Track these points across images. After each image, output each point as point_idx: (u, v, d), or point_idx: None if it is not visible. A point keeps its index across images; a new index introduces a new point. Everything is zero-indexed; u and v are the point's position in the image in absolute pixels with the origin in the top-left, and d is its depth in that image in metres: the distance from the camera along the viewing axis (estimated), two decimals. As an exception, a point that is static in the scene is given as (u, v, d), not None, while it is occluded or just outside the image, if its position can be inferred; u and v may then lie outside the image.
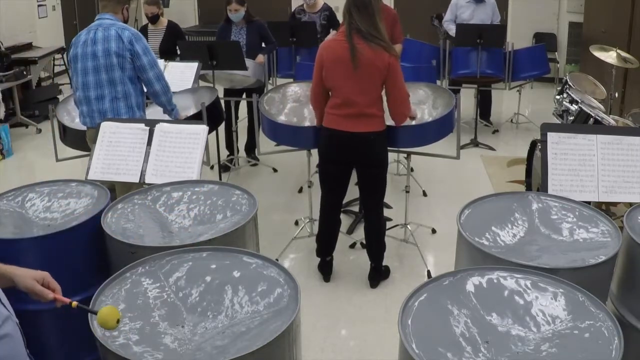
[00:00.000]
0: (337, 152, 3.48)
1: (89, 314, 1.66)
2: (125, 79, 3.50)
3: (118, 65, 3.45)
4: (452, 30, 6.50)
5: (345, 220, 4.22)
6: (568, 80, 5.04)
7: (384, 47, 3.26)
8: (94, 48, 3.45)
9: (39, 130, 6.84)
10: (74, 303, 1.62)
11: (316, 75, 3.40)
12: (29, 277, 1.62)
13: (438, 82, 5.94)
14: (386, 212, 3.88)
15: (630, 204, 2.49)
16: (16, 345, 1.37)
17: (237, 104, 5.64)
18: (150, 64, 3.50)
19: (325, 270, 3.82)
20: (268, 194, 5.05)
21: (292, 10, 6.22)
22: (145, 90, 3.64)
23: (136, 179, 2.89)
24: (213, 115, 4.03)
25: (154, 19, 5.78)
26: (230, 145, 5.70)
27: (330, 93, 3.46)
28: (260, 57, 5.31)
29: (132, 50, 3.44)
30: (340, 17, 3.87)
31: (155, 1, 5.76)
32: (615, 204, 4.14)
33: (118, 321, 1.58)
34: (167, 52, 5.64)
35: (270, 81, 5.96)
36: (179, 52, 5.46)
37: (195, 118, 3.82)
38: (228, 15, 5.32)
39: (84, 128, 3.70)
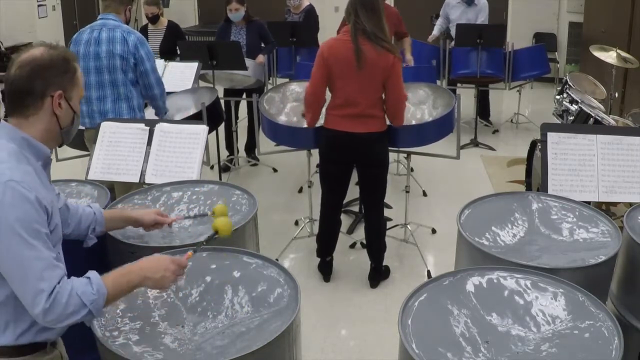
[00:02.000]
0: (338, 152, 3.48)
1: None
2: (127, 81, 3.50)
3: (121, 68, 3.45)
4: (436, 27, 6.71)
5: (345, 220, 4.22)
6: (568, 80, 5.04)
7: (389, 48, 3.25)
8: (98, 48, 3.44)
9: (39, 130, 6.84)
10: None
11: (317, 74, 3.36)
12: (151, 213, 2.08)
13: (438, 82, 5.94)
14: (386, 212, 3.88)
15: (630, 204, 2.49)
16: None
17: (237, 104, 5.63)
18: (152, 69, 3.53)
19: (325, 270, 3.82)
20: (268, 194, 5.04)
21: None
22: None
23: (136, 179, 2.89)
24: (213, 115, 4.02)
25: (154, 19, 5.78)
26: (230, 145, 5.70)
27: (330, 93, 3.46)
28: (260, 57, 5.31)
29: (136, 55, 3.44)
30: (333, 17, 3.84)
31: (155, 1, 5.75)
32: (615, 204, 4.14)
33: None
34: (168, 52, 5.64)
35: (270, 81, 5.96)
36: (179, 52, 5.46)
37: (195, 118, 3.82)
38: (228, 15, 5.32)
39: (83, 128, 3.70)
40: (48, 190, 1.62)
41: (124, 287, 1.63)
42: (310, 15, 6.05)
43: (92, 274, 1.59)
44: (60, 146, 1.75)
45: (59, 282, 1.49)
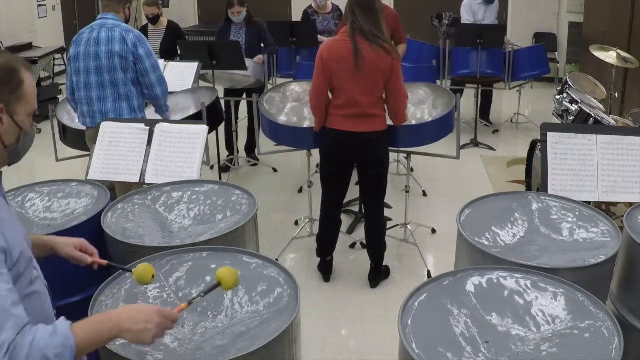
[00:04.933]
0: (340, 152, 3.48)
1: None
2: (128, 80, 3.50)
3: (120, 67, 3.45)
4: None
5: (345, 220, 4.22)
6: (568, 80, 5.04)
7: (387, 48, 3.26)
8: (97, 49, 3.44)
9: (39, 130, 6.83)
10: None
11: (318, 76, 3.37)
12: (68, 244, 1.81)
13: (438, 82, 5.94)
14: (386, 212, 3.88)
15: (630, 204, 2.49)
16: (45, 302, 1.54)
17: (237, 104, 5.63)
18: (152, 67, 3.50)
19: (325, 270, 3.82)
20: (268, 194, 5.04)
21: (304, 10, 6.21)
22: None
23: (136, 179, 2.89)
24: (213, 116, 4.02)
25: (154, 19, 5.78)
26: (230, 145, 5.70)
27: (331, 93, 3.46)
28: (260, 56, 5.29)
29: (135, 54, 3.44)
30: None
31: (154, 2, 5.75)
32: (615, 204, 4.14)
33: (153, 276, 1.74)
34: (168, 52, 5.64)
35: (270, 81, 5.96)
36: (179, 52, 5.46)
37: (195, 118, 3.82)
38: (229, 17, 5.32)
39: (84, 128, 3.70)
40: (2, 210, 1.46)
41: (96, 338, 1.41)
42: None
43: (60, 322, 1.39)
44: (9, 165, 1.55)
45: (18, 333, 1.31)
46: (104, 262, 1.87)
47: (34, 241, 1.73)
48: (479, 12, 6.50)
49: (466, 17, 6.61)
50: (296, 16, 6.65)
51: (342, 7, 3.57)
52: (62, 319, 1.41)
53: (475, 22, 6.42)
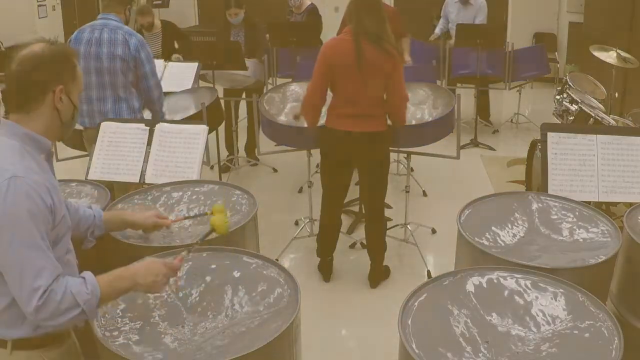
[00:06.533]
0: (340, 151, 3.48)
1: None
2: (127, 83, 3.50)
3: (121, 70, 3.44)
4: (437, 26, 6.75)
5: (345, 220, 4.22)
6: (568, 80, 5.04)
7: (389, 50, 3.25)
8: (99, 49, 3.43)
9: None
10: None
11: (318, 73, 3.35)
12: (151, 216, 2.10)
13: (438, 82, 5.94)
14: (386, 212, 3.88)
15: (630, 204, 2.49)
16: (75, 272, 1.71)
17: (237, 104, 5.63)
18: (152, 72, 3.53)
19: (325, 270, 3.82)
20: (268, 194, 5.04)
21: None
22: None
23: (136, 179, 2.89)
24: (213, 116, 4.02)
25: (149, 26, 5.79)
26: (230, 145, 5.70)
27: (332, 92, 3.46)
28: None
29: (136, 58, 3.44)
30: (333, 17, 3.81)
31: (148, 11, 5.77)
32: (615, 204, 4.14)
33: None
34: (169, 52, 5.64)
35: (270, 81, 5.95)
36: (176, 46, 5.44)
37: (195, 118, 3.82)
38: (227, 19, 5.31)
39: (82, 128, 3.69)
40: (52, 180, 1.63)
41: (117, 290, 1.65)
42: (314, 14, 6.03)
43: (87, 274, 1.60)
44: (59, 140, 1.76)
45: (54, 280, 1.50)
46: (182, 217, 2.27)
47: (113, 217, 2.07)
48: (452, 12, 6.53)
49: (440, 21, 6.74)
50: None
51: (342, 8, 3.55)
52: (88, 272, 1.61)
53: (451, 24, 6.49)
